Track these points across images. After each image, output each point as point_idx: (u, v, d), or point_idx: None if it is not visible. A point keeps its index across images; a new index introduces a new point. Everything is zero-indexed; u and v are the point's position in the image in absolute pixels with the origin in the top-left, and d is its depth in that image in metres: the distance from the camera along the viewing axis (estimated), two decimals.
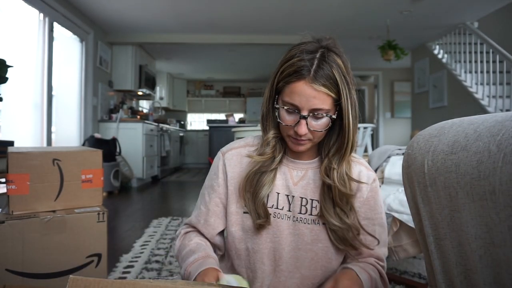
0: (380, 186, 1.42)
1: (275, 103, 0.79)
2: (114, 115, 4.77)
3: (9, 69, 2.01)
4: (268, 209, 0.81)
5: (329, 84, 0.73)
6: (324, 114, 0.75)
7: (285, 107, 0.75)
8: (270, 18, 4.29)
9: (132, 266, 1.74)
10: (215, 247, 0.88)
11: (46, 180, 1.25)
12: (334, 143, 0.81)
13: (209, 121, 6.75)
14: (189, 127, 8.82)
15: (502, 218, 0.34)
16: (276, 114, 0.78)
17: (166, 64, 6.83)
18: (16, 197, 1.21)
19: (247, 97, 8.62)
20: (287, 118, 0.76)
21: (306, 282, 0.82)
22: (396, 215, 1.30)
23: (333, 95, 0.74)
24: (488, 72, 4.02)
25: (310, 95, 0.73)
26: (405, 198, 1.26)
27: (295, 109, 0.75)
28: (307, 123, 0.75)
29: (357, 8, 3.91)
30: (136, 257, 1.89)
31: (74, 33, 4.06)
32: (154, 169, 5.33)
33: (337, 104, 0.76)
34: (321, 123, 0.76)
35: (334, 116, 0.76)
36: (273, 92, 0.79)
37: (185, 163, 7.99)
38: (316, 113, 0.74)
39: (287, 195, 0.82)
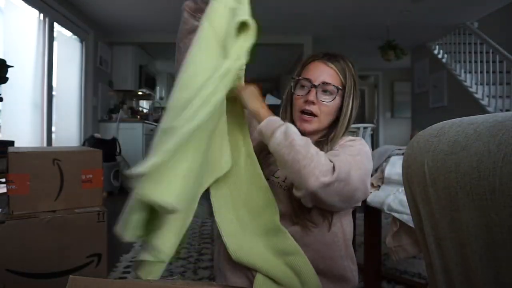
0: (380, 186, 1.42)
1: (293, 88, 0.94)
2: (114, 115, 4.76)
3: (9, 69, 2.01)
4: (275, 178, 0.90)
5: (338, 68, 0.89)
6: (333, 87, 0.88)
7: (300, 79, 0.90)
8: (270, 18, 4.29)
9: (132, 266, 1.74)
10: None
11: (46, 180, 1.25)
12: (333, 135, 0.90)
13: None
14: None
15: (502, 218, 0.34)
16: (292, 90, 0.93)
17: (166, 64, 6.82)
18: (16, 197, 1.21)
19: None
20: (300, 92, 0.90)
21: None
22: (396, 215, 1.30)
23: (341, 77, 0.89)
24: (488, 72, 4.02)
25: (323, 70, 0.89)
26: (405, 198, 1.26)
27: (308, 82, 0.88)
28: (316, 93, 0.87)
29: (357, 8, 3.91)
30: (136, 257, 1.89)
31: (74, 33, 4.06)
32: None
33: (342, 93, 0.89)
34: (328, 98, 0.88)
35: (338, 98, 0.89)
36: (293, 86, 0.94)
37: None
38: (325, 86, 0.88)
39: None
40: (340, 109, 0.90)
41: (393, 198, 1.36)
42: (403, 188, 1.35)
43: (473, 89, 4.19)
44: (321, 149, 0.82)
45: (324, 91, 0.88)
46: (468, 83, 4.29)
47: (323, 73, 0.88)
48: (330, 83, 0.87)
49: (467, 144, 0.38)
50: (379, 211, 1.35)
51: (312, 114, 0.88)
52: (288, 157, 0.72)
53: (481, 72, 4.14)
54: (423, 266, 1.72)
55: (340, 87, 0.88)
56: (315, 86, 0.87)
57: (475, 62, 4.23)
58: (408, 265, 1.78)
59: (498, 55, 3.83)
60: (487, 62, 4.00)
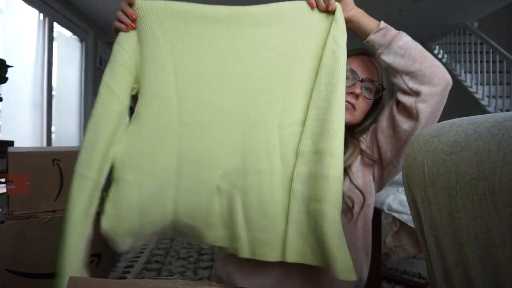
0: None
1: None
2: None
3: (9, 69, 2.01)
4: None
5: (381, 67, 0.88)
6: (378, 85, 0.87)
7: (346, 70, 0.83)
8: None
9: (132, 266, 1.74)
10: None
11: (46, 180, 1.25)
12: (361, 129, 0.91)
13: None
14: None
15: (502, 218, 0.34)
16: None
17: None
18: (16, 197, 1.21)
19: None
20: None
21: None
22: (396, 215, 1.30)
23: (381, 76, 0.88)
24: (488, 72, 4.02)
25: (369, 65, 0.87)
26: (405, 198, 1.26)
27: (354, 75, 0.85)
28: (361, 87, 0.85)
29: None
30: (136, 257, 1.89)
31: (74, 33, 4.06)
32: None
33: (381, 92, 0.88)
34: (370, 95, 0.87)
35: (371, 98, 0.87)
36: None
37: None
38: (370, 83, 0.86)
39: None
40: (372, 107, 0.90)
41: (393, 198, 1.37)
42: (403, 188, 1.35)
43: (473, 89, 4.19)
44: (352, 142, 0.84)
45: (367, 87, 0.87)
46: (468, 83, 4.29)
47: (369, 68, 0.87)
48: (375, 81, 0.87)
49: (467, 144, 0.38)
50: (379, 211, 1.35)
51: (353, 106, 0.86)
52: (416, 50, 0.74)
53: (481, 72, 4.14)
54: (423, 266, 1.72)
55: (383, 86, 0.88)
56: (361, 81, 0.85)
57: (475, 62, 4.22)
58: (408, 265, 1.78)
59: (498, 55, 3.83)
60: (487, 62, 3.99)
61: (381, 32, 0.75)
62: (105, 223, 0.72)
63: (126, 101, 0.74)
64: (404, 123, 0.79)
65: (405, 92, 0.77)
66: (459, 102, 4.48)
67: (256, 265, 0.82)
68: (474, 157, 0.37)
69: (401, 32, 0.76)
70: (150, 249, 2.02)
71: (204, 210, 0.77)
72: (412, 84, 0.75)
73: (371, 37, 0.76)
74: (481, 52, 4.07)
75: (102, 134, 0.72)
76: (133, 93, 0.76)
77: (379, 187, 0.92)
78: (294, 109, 0.75)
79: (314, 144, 0.73)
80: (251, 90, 0.74)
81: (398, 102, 0.80)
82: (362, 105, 0.87)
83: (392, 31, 0.76)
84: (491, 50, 3.92)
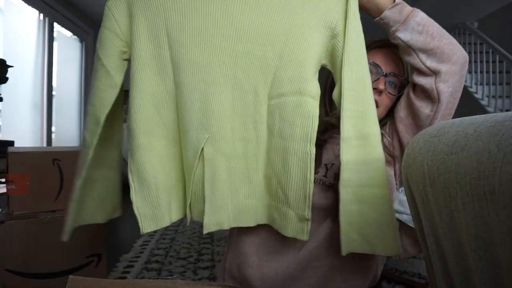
0: None
1: None
2: None
3: (9, 69, 2.01)
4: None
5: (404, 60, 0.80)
6: (403, 80, 0.82)
7: (369, 63, 0.77)
8: None
9: (132, 266, 1.74)
10: None
11: (46, 180, 1.25)
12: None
13: None
14: None
15: (502, 218, 0.34)
16: None
17: None
18: (16, 197, 1.21)
19: None
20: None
21: None
22: (396, 215, 1.30)
23: (405, 71, 0.83)
24: (488, 72, 4.02)
25: (393, 59, 0.82)
26: (405, 198, 1.26)
27: (377, 69, 0.81)
28: (385, 82, 0.81)
29: None
30: (136, 257, 1.89)
31: (74, 33, 4.06)
32: None
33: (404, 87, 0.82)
34: (394, 90, 0.83)
35: (395, 93, 0.83)
36: None
37: None
38: (394, 77, 0.82)
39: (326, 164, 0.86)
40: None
41: (393, 198, 1.36)
42: (403, 188, 1.35)
43: (473, 89, 4.19)
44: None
45: (391, 82, 0.82)
46: (468, 83, 4.29)
47: (394, 62, 0.82)
48: (400, 75, 0.82)
49: (467, 144, 0.38)
50: None
51: (376, 103, 0.80)
52: (434, 27, 0.71)
53: (481, 72, 4.14)
54: (423, 266, 1.72)
55: (404, 77, 0.83)
56: (385, 75, 0.81)
57: (475, 62, 4.22)
58: (408, 265, 1.78)
59: (498, 55, 3.83)
60: (487, 62, 3.99)
61: (397, 7, 0.70)
62: (135, 198, 0.73)
63: (114, 70, 0.76)
64: (425, 108, 0.75)
65: (422, 73, 0.72)
66: (459, 102, 4.48)
67: (274, 252, 0.82)
68: (474, 157, 0.37)
69: (416, 8, 0.72)
70: (150, 249, 2.02)
71: (191, 177, 0.75)
72: (431, 63, 0.71)
73: (386, 13, 0.71)
74: (481, 52, 4.07)
75: (101, 103, 0.78)
76: (125, 57, 0.76)
77: (401, 183, 0.89)
78: (285, 79, 0.72)
79: (356, 129, 0.70)
80: (242, 54, 0.71)
81: (415, 87, 0.76)
82: (385, 102, 0.82)
83: (408, 7, 0.71)
84: (491, 50, 3.92)
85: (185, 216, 0.78)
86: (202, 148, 0.73)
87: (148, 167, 0.72)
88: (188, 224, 0.79)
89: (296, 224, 0.73)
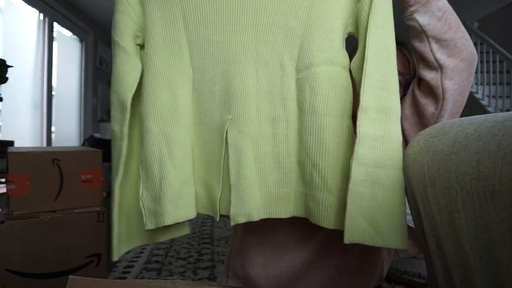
0: None
1: None
2: None
3: (9, 69, 2.01)
4: None
5: (406, 52, 0.82)
6: (407, 77, 0.81)
7: None
8: None
9: (132, 266, 1.74)
10: None
11: (46, 180, 1.25)
12: None
13: None
14: None
15: (502, 218, 0.34)
16: None
17: None
18: (16, 197, 1.21)
19: None
20: None
21: None
22: None
23: (412, 67, 0.83)
24: (488, 72, 4.02)
25: (400, 56, 0.78)
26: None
27: None
28: None
29: None
30: (136, 257, 1.89)
31: (74, 33, 4.06)
32: None
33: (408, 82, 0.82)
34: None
35: (400, 93, 0.82)
36: None
37: None
38: (400, 75, 0.77)
39: None
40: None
41: None
42: None
43: (473, 89, 4.19)
44: None
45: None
46: None
47: (400, 60, 0.79)
48: (406, 74, 0.79)
49: (467, 144, 0.38)
50: None
51: None
52: (453, 16, 0.67)
53: (481, 72, 4.14)
54: (423, 266, 1.72)
55: (409, 76, 0.80)
56: None
57: None
58: (408, 265, 1.78)
59: (498, 55, 3.83)
60: (487, 62, 4.00)
61: None
62: (142, 190, 0.69)
63: (133, 51, 0.71)
64: (430, 106, 0.72)
65: (428, 65, 0.70)
66: None
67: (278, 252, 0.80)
68: (474, 157, 0.37)
69: None
70: (150, 249, 2.02)
71: (216, 164, 0.70)
72: (440, 55, 0.68)
73: None
74: (481, 52, 4.07)
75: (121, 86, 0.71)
76: (138, 42, 0.72)
77: None
78: (314, 48, 0.65)
79: (377, 100, 0.62)
80: (263, 26, 0.65)
81: (420, 84, 0.74)
82: None
83: None
84: (491, 50, 3.92)
85: (195, 216, 0.73)
86: (226, 131, 0.67)
87: (154, 156, 0.68)
88: (218, 220, 0.71)
89: (338, 212, 0.63)
